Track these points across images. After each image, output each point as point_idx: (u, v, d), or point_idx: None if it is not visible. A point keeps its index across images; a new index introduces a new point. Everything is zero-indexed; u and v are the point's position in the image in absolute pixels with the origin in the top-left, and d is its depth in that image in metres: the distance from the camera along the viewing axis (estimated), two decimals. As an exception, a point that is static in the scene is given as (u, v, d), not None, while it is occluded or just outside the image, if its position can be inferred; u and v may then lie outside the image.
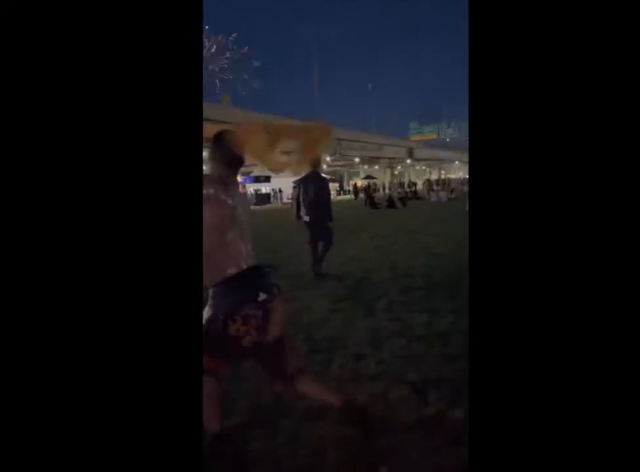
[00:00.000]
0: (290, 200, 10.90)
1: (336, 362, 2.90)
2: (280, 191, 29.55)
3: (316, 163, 2.35)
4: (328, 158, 39.14)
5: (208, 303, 1.78)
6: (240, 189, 1.94)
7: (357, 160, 43.72)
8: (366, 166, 50.08)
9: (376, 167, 50.92)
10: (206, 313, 1.77)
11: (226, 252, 1.78)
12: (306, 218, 5.63)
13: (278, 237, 10.14)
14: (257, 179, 30.90)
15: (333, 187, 38.27)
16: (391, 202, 18.71)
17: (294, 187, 5.87)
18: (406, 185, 25.05)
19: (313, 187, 5.45)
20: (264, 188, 32.55)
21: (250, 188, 29.31)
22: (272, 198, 31.17)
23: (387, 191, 30.88)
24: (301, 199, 5.62)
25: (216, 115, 21.82)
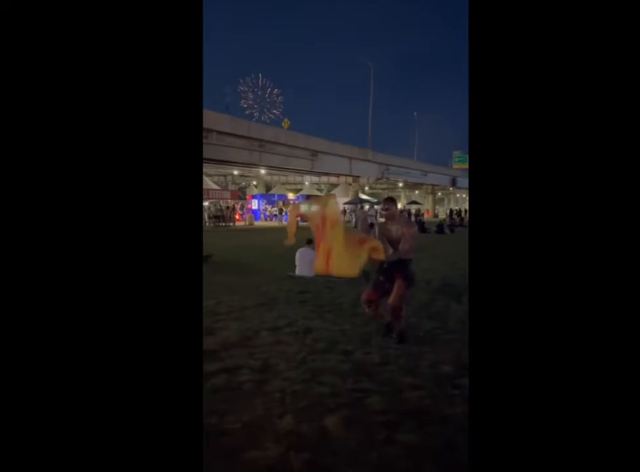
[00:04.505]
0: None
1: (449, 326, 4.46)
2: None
3: None
4: (371, 180, 40.27)
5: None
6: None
7: (400, 184, 45.00)
8: (407, 191, 51.25)
9: (416, 192, 52.01)
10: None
11: None
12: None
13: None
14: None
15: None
16: (440, 228, 20.17)
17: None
18: (454, 214, 26.22)
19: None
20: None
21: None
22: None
23: (426, 215, 31.77)
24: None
25: (277, 138, 24.04)
